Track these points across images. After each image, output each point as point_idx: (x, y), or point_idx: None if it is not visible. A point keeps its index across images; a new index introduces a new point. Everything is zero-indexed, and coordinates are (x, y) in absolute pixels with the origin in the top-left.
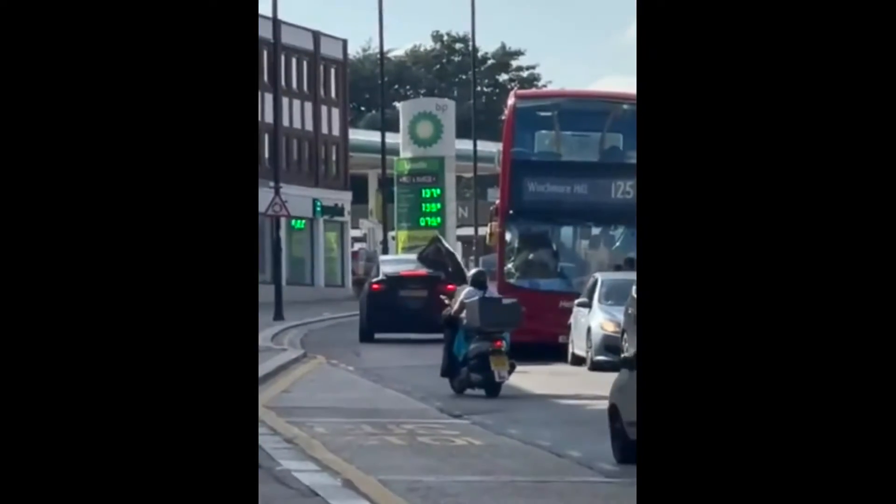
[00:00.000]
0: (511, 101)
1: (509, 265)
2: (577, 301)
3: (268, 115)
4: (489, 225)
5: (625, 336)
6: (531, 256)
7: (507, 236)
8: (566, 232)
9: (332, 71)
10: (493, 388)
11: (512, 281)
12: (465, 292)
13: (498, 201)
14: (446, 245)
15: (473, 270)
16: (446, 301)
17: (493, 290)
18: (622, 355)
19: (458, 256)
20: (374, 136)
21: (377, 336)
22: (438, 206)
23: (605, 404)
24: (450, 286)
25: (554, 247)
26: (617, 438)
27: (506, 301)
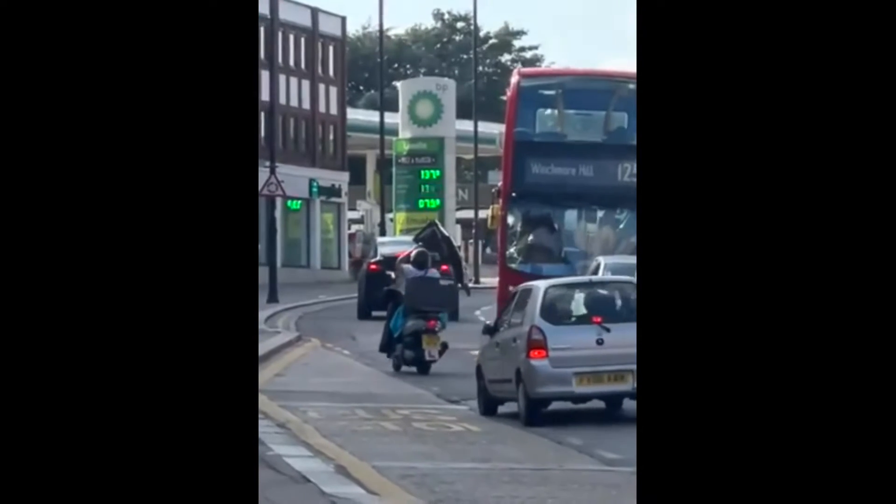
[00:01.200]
0: (514, 79)
1: (511, 249)
2: None
3: (264, 94)
4: (491, 207)
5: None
6: (533, 240)
7: (510, 219)
8: (570, 215)
9: (331, 49)
10: (423, 366)
11: (514, 265)
12: (405, 270)
13: (500, 183)
14: (442, 230)
15: (416, 250)
16: (392, 277)
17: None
18: (484, 324)
19: (457, 240)
20: (372, 116)
21: (374, 314)
22: (437, 187)
23: None
24: (444, 266)
25: (557, 230)
26: (481, 393)
27: (442, 282)
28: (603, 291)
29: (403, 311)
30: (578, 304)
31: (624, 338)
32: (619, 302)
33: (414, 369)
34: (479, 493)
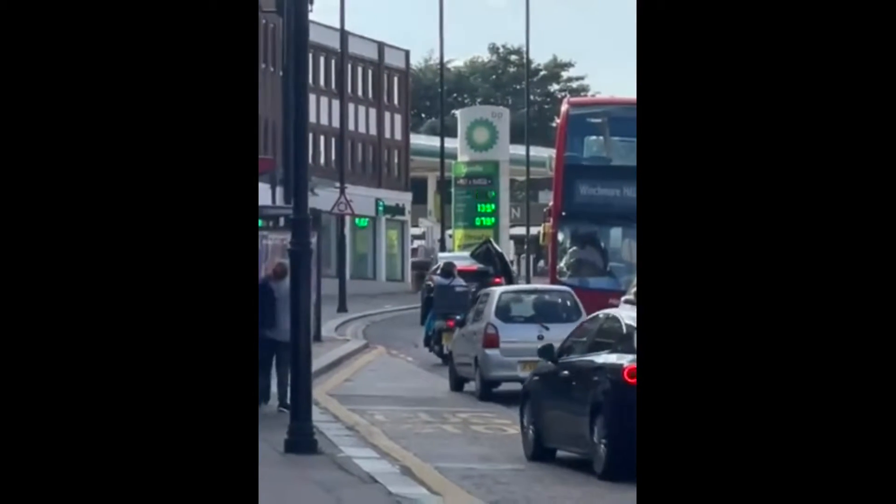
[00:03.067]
0: (564, 107)
1: (561, 264)
2: (624, 298)
3: (334, 120)
4: (542, 225)
5: None
6: (581, 256)
7: (560, 236)
8: (615, 233)
9: (396, 79)
10: (445, 359)
11: (563, 279)
12: (435, 280)
13: (551, 203)
14: (496, 246)
15: (443, 261)
16: (431, 285)
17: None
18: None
19: (510, 254)
20: (433, 141)
21: None
22: (493, 206)
23: None
24: (497, 279)
25: (603, 247)
26: (451, 374)
27: (458, 289)
28: (545, 297)
29: (433, 315)
30: (526, 307)
31: (560, 334)
32: (558, 306)
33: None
34: (532, 493)
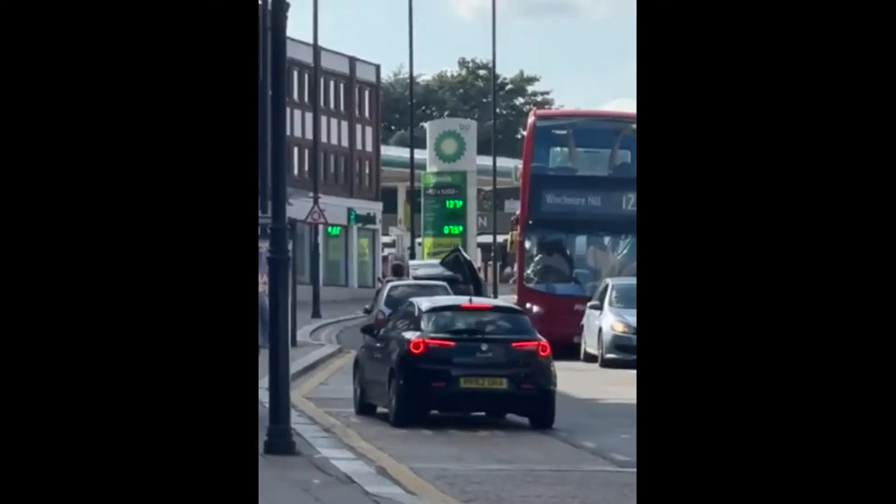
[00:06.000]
0: (531, 119)
1: (528, 271)
2: (589, 304)
3: (308, 132)
4: (510, 234)
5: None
6: (548, 263)
7: (527, 244)
8: (580, 240)
9: (367, 93)
10: None
11: (531, 286)
12: (387, 279)
13: (518, 212)
14: (465, 254)
15: (395, 262)
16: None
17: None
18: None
19: (478, 262)
20: (403, 152)
21: None
22: (460, 215)
23: (617, 399)
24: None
25: (569, 254)
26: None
27: None
28: (428, 290)
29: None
30: (411, 297)
31: None
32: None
33: None
34: (505, 492)
